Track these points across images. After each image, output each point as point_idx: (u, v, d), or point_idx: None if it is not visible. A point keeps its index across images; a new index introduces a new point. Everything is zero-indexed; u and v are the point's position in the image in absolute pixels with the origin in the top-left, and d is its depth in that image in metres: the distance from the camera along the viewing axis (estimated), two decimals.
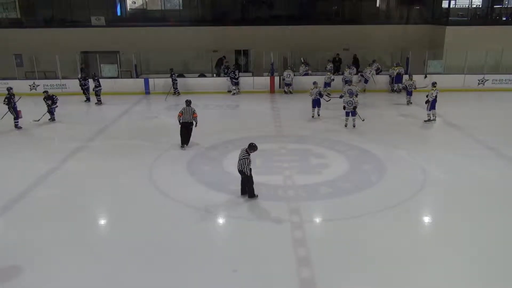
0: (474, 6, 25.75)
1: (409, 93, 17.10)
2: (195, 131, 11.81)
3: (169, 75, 19.33)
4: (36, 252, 6.94)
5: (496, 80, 19.86)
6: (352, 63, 21.43)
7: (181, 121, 11.58)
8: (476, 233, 7.42)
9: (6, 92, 14.16)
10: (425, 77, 19.75)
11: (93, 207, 8.79)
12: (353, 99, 13.36)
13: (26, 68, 20.46)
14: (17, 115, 14.05)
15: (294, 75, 19.79)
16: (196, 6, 25.74)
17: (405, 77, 18.23)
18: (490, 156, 11.30)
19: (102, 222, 8.41)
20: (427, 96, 14.25)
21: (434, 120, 14.37)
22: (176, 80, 19.32)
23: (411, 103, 17.04)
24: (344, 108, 13.52)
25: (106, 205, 8.98)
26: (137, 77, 20.66)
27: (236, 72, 19.46)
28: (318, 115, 15.04)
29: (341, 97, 14.62)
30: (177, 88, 19.34)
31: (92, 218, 8.33)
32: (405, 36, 22.22)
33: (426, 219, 8.33)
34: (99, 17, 23.01)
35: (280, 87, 19.96)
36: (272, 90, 20.01)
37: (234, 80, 19.37)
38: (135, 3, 25.84)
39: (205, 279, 6.20)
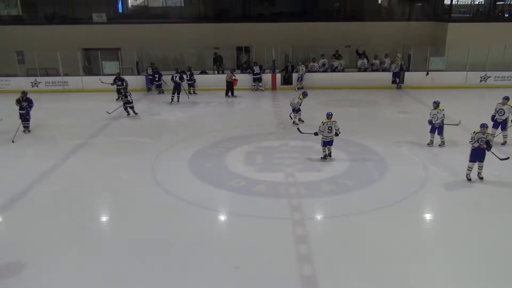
0: (477, 2, 25.71)
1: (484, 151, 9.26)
2: (195, 129, 12.18)
3: (114, 78, 17.25)
4: (37, 249, 6.96)
5: (499, 77, 19.80)
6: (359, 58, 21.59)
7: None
8: (477, 232, 7.40)
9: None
10: (427, 74, 19.74)
11: (94, 205, 8.79)
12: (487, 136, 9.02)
13: (28, 65, 20.46)
14: None
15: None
16: (197, 3, 25.72)
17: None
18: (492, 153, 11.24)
19: (103, 220, 8.41)
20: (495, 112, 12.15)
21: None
22: (119, 86, 16.91)
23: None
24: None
25: (107, 203, 9.00)
26: (139, 74, 20.65)
27: (254, 68, 19.46)
28: (481, 178, 9.42)
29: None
30: (121, 93, 16.33)
31: (92, 216, 8.33)
32: (407, 33, 22.11)
33: (428, 217, 8.33)
34: (101, 14, 22.98)
35: (281, 84, 19.94)
36: (273, 87, 20.01)
37: (253, 76, 19.55)
38: (136, 0, 25.83)
39: (206, 277, 6.20)
